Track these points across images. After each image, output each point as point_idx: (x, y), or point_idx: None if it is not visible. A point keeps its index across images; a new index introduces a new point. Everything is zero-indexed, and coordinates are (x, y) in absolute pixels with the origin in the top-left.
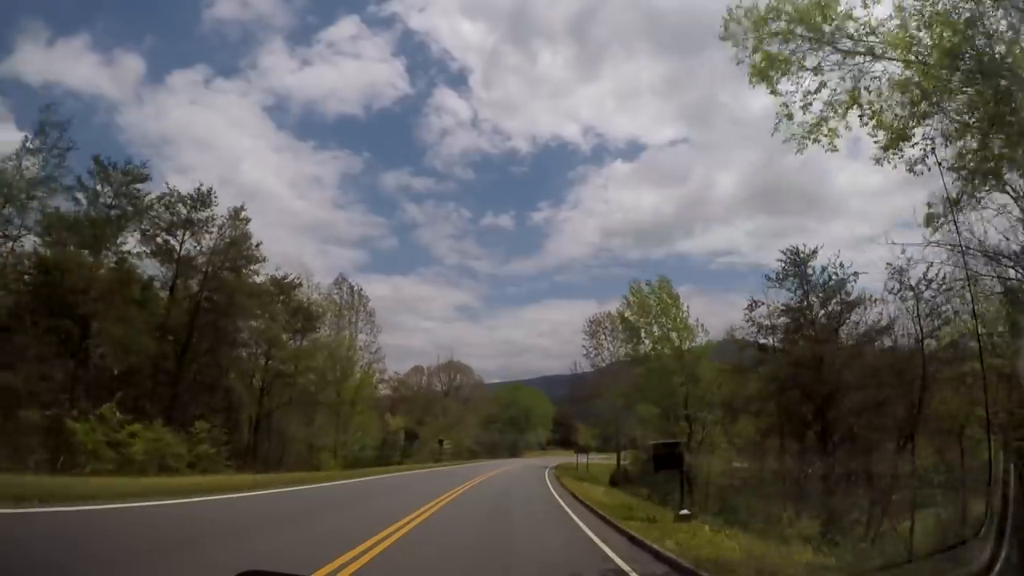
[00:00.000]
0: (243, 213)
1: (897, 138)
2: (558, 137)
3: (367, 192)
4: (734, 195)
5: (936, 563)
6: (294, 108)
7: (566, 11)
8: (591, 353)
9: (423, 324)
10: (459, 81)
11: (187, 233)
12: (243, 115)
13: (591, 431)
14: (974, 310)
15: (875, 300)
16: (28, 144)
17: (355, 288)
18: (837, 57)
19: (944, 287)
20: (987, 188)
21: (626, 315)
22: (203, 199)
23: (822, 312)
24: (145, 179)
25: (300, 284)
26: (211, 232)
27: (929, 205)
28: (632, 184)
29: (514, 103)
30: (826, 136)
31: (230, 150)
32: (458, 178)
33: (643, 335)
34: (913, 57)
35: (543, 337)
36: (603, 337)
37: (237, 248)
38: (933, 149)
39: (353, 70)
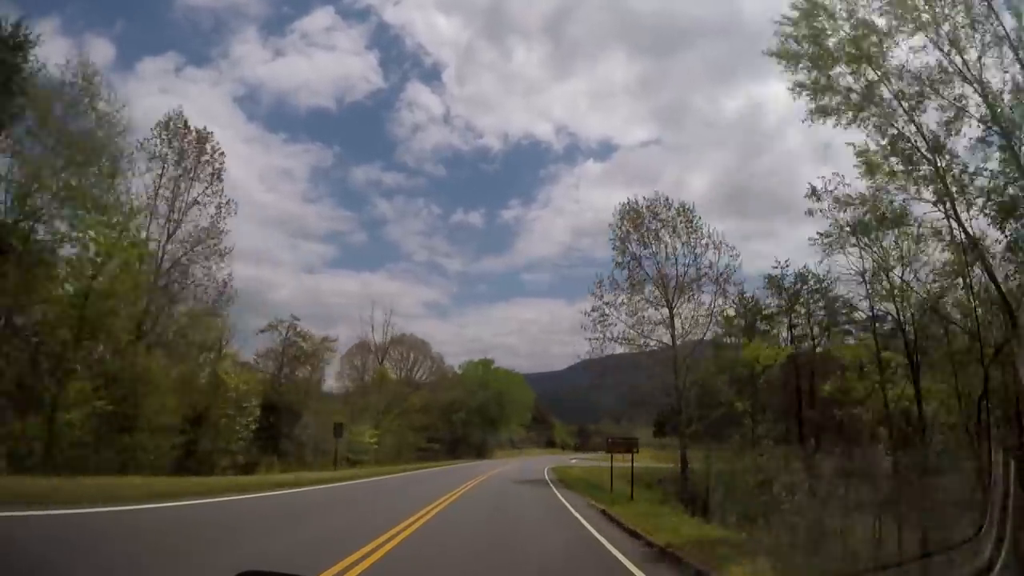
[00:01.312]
0: None
1: None
2: (530, 135)
3: (337, 186)
4: (705, 196)
5: (936, 563)
6: (265, 99)
7: (543, 8)
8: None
9: (392, 320)
10: (432, 76)
11: None
12: (213, 105)
13: (567, 427)
14: (975, 314)
15: None
16: None
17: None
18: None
19: None
20: None
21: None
22: None
23: None
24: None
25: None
26: None
27: None
28: (603, 184)
29: (487, 100)
30: None
31: None
32: (429, 174)
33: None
34: None
35: (512, 335)
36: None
37: None
38: None
39: (326, 62)
